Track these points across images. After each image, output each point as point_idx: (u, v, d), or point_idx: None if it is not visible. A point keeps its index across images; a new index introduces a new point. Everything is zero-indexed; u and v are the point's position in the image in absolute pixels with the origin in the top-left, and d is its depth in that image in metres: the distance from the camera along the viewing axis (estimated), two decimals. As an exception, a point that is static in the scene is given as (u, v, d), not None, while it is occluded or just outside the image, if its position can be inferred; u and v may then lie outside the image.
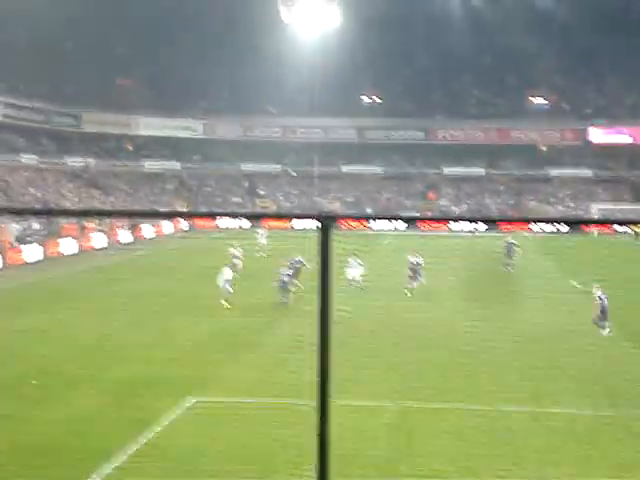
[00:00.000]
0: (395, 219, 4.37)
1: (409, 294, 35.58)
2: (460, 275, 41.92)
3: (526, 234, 64.08)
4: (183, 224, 74.90)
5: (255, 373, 22.20)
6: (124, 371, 22.20)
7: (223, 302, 32.25)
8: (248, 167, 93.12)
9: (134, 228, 65.01)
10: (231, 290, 32.80)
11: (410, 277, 36.37)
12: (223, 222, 75.05)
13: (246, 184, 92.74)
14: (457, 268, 44.41)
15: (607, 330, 27.60)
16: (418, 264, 36.70)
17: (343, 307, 27.43)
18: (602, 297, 28.29)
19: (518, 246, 46.80)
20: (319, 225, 4.66)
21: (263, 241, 52.99)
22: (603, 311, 28.15)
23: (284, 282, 33.24)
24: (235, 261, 40.64)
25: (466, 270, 44.30)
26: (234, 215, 5.05)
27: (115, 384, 20.89)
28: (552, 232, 68.72)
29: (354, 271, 37.10)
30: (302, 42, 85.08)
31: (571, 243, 56.58)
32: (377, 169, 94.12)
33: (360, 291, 35.67)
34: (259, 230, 55.19)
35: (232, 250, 41.90)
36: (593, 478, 15.07)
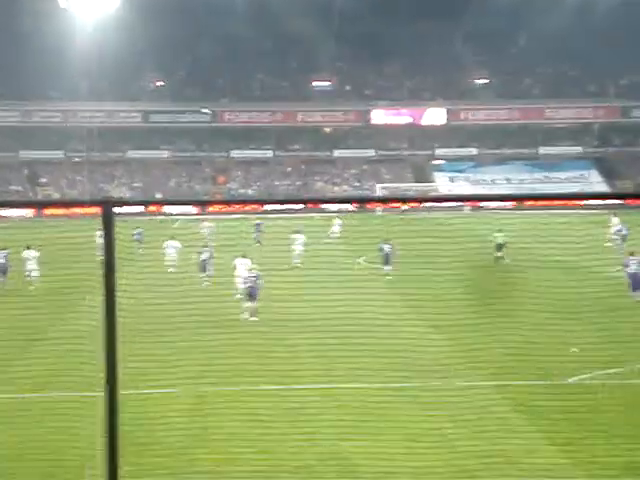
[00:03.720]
0: (183, 204, 4.33)
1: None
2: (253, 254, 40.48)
3: (315, 215, 65.11)
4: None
5: (45, 366, 21.40)
6: None
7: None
8: (28, 154, 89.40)
9: None
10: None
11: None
12: (6, 212, 72.03)
13: (26, 172, 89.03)
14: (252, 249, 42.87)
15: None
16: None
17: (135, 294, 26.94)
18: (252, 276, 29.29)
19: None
20: (101, 211, 4.52)
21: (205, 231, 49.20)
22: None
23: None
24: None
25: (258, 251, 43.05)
26: (13, 204, 4.82)
27: None
28: (342, 211, 69.92)
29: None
30: (82, 26, 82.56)
31: (357, 221, 58.15)
32: (164, 154, 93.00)
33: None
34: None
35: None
36: (385, 449, 15.62)
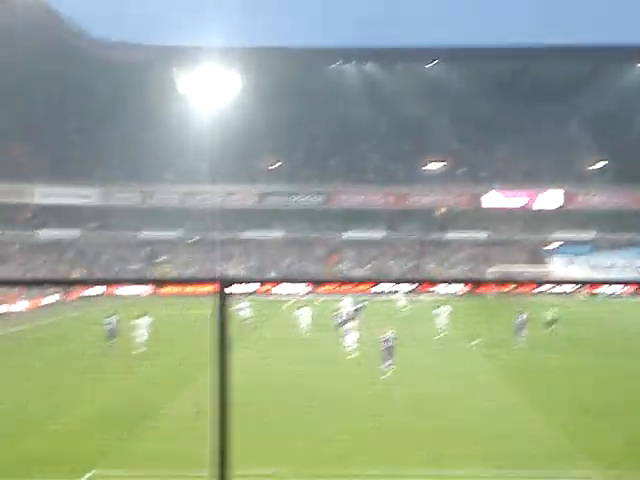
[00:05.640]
0: (293, 282, 4.34)
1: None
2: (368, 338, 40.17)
3: (423, 297, 64.95)
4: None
5: (157, 443, 21.62)
6: (20, 447, 21.24)
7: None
8: (147, 234, 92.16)
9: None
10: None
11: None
12: (125, 290, 74.26)
13: (145, 251, 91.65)
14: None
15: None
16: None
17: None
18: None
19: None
20: (217, 289, 4.58)
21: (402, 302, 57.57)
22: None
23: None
24: None
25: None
26: (133, 282, 4.96)
27: (9, 460, 19.94)
28: (451, 294, 69.81)
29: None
30: (201, 108, 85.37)
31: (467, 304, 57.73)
32: (278, 234, 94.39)
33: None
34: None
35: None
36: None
